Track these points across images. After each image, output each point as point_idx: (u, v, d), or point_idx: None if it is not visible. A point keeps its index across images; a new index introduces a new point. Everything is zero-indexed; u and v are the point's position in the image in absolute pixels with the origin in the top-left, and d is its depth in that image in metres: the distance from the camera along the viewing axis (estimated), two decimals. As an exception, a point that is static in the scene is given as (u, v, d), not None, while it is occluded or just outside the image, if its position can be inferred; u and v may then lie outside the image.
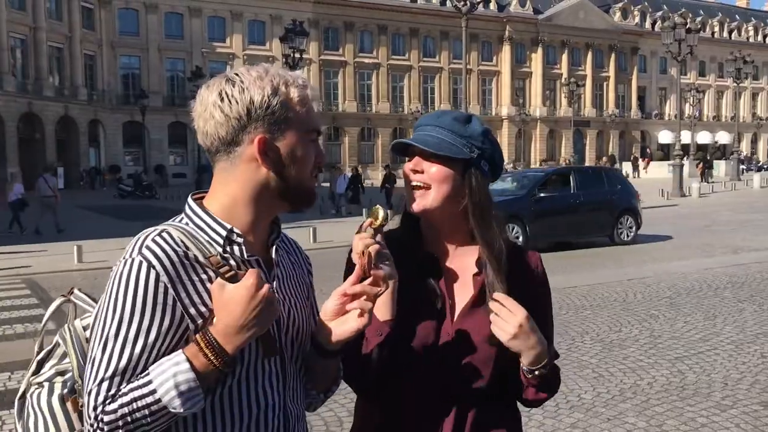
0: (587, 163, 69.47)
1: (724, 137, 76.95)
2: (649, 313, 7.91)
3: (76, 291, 1.44)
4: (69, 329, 1.35)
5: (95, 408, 1.17)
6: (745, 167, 53.75)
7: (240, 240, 1.31)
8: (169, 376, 1.16)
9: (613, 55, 73.47)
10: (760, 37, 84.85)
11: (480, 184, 1.55)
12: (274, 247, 1.39)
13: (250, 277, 1.21)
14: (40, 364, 1.38)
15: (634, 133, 75.89)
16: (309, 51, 50.82)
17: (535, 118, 69.14)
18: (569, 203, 14.65)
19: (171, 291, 1.22)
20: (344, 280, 1.39)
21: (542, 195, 14.20)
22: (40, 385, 1.33)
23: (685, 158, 35.69)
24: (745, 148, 78.31)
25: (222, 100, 1.27)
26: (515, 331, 1.44)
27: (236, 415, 1.29)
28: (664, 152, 69.43)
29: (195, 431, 1.27)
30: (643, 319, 7.63)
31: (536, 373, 1.50)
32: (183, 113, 46.46)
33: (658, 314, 7.87)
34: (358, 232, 1.41)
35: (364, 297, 1.32)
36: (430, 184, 1.53)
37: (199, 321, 1.24)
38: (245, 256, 1.31)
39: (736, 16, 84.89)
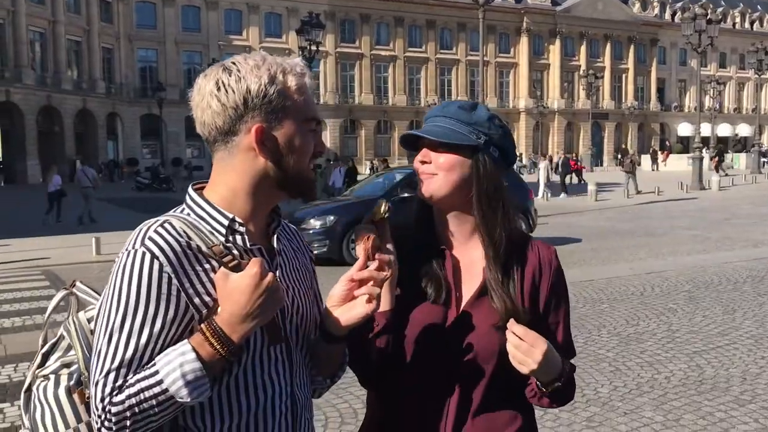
0: (605, 157, 69.11)
1: (744, 130, 75.98)
2: (667, 307, 7.84)
3: (78, 284, 1.44)
4: (73, 321, 1.35)
5: (102, 399, 1.17)
6: (766, 160, 52.99)
7: (242, 229, 1.30)
8: (176, 366, 1.16)
9: (632, 47, 72.67)
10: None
11: (489, 170, 1.53)
12: (275, 236, 1.38)
13: (253, 266, 1.20)
14: (45, 357, 1.38)
15: (653, 125, 75.11)
16: (325, 43, 50.76)
17: (553, 110, 68.65)
18: None
19: (175, 281, 1.21)
20: None
21: (405, 195, 11.99)
22: (46, 377, 1.33)
23: (704, 150, 35.18)
24: (766, 140, 77.22)
25: (218, 89, 1.26)
26: (536, 367, 1.41)
27: (243, 403, 1.29)
28: (684, 145, 68.74)
29: (203, 420, 1.27)
30: (661, 313, 7.55)
31: (549, 389, 1.49)
32: (200, 106, 46.55)
33: (677, 308, 7.79)
34: (361, 225, 1.41)
35: (371, 282, 1.32)
36: (438, 174, 1.52)
37: (204, 311, 1.24)
38: (248, 245, 1.31)
39: (758, 6, 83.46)
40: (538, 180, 27.61)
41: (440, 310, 1.53)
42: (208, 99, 1.27)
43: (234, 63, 1.29)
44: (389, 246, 1.40)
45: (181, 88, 55.45)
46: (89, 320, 1.33)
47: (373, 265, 1.33)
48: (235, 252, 1.29)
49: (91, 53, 48.59)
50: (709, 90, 59.45)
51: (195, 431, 1.28)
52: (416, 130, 1.55)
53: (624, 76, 73.39)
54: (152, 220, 1.27)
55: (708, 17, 32.39)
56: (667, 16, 74.98)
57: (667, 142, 71.80)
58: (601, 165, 66.56)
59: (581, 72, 67.72)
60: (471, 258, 1.58)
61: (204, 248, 1.25)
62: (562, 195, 27.10)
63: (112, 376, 1.18)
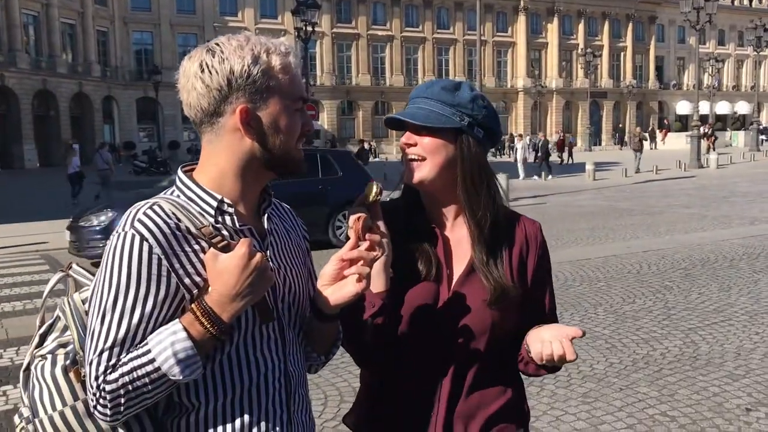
0: (604, 136, 68.91)
1: (743, 107, 75.72)
2: (664, 285, 7.88)
3: (74, 266, 1.46)
4: (68, 302, 1.37)
5: (96, 378, 1.20)
6: (765, 138, 52.88)
7: (231, 210, 1.31)
8: (167, 345, 1.19)
9: (630, 25, 72.21)
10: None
11: (472, 152, 1.54)
12: (266, 216, 1.39)
13: (242, 247, 1.22)
14: (43, 338, 1.40)
15: (651, 104, 74.86)
16: (321, 24, 50.45)
17: (551, 89, 68.32)
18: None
19: (165, 262, 1.23)
20: None
21: None
22: (44, 357, 1.35)
23: (700, 128, 35.03)
24: (765, 118, 76.98)
25: (202, 71, 1.27)
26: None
27: (236, 380, 1.31)
28: (683, 123, 68.55)
29: (197, 396, 1.30)
30: (657, 291, 7.60)
31: (551, 364, 1.50)
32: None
33: (673, 286, 7.83)
34: (353, 206, 1.42)
35: (361, 262, 1.33)
36: (425, 156, 1.54)
37: (195, 291, 1.26)
38: (237, 225, 1.32)
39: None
40: (515, 160, 27.44)
41: (433, 289, 1.56)
42: (192, 81, 1.28)
43: (218, 44, 1.30)
44: (381, 227, 1.42)
45: (177, 70, 54.73)
46: (84, 301, 1.35)
47: (364, 245, 1.35)
48: (225, 233, 1.30)
49: (85, 36, 48.20)
50: (707, 68, 59.12)
51: (189, 407, 1.31)
52: (399, 113, 1.56)
53: (622, 54, 73.01)
54: (142, 203, 1.29)
55: (706, -6, 32.13)
56: (666, -7, 74.49)
57: (665, 121, 71.60)
58: (600, 144, 66.45)
59: (579, 51, 67.38)
60: (459, 236, 1.60)
61: (193, 229, 1.27)
62: (535, 177, 25.94)
63: (105, 355, 1.20)
